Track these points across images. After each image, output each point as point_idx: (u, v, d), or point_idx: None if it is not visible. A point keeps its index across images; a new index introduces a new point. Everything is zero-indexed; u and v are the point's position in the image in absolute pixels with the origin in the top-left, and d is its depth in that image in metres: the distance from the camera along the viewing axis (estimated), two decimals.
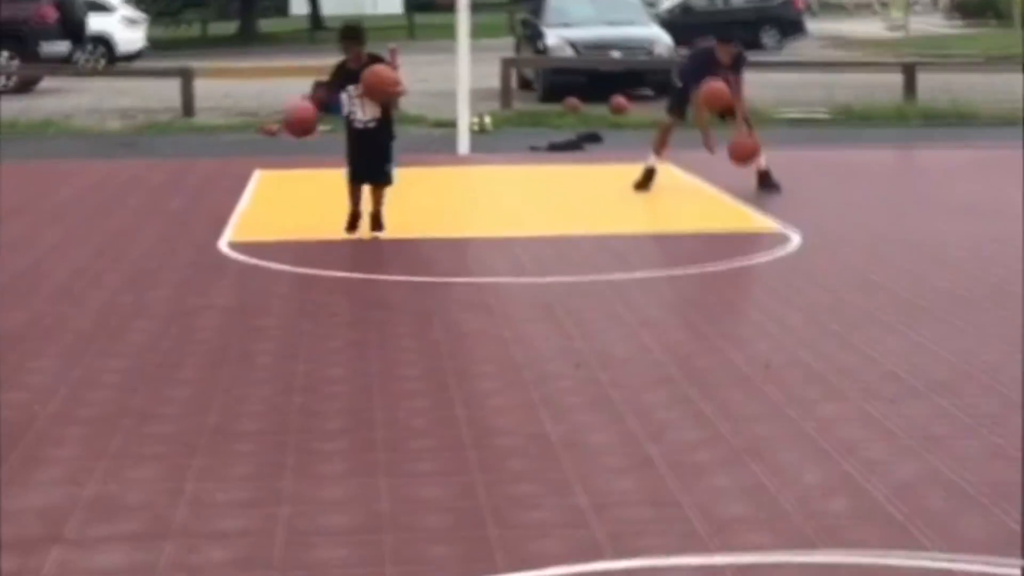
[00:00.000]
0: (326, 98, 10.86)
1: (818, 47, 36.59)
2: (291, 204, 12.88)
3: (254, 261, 9.80)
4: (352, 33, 10.65)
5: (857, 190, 13.11)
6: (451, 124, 17.30)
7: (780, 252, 10.07)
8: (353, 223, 10.59)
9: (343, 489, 5.41)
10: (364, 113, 10.50)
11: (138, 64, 27.66)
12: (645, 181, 13.17)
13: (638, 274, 9.29)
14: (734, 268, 9.62)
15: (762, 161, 12.85)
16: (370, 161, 10.50)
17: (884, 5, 50.89)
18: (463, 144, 16.53)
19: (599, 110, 19.93)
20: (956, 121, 19.14)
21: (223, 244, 10.43)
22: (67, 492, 5.32)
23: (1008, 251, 9.82)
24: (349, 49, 10.55)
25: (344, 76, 10.56)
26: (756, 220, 11.34)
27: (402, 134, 19.33)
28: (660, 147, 13.32)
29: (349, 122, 10.64)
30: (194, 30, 47.01)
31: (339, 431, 6.11)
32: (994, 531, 4.95)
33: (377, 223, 10.64)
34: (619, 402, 6.47)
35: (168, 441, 5.90)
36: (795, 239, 10.44)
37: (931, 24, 46.08)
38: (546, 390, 6.69)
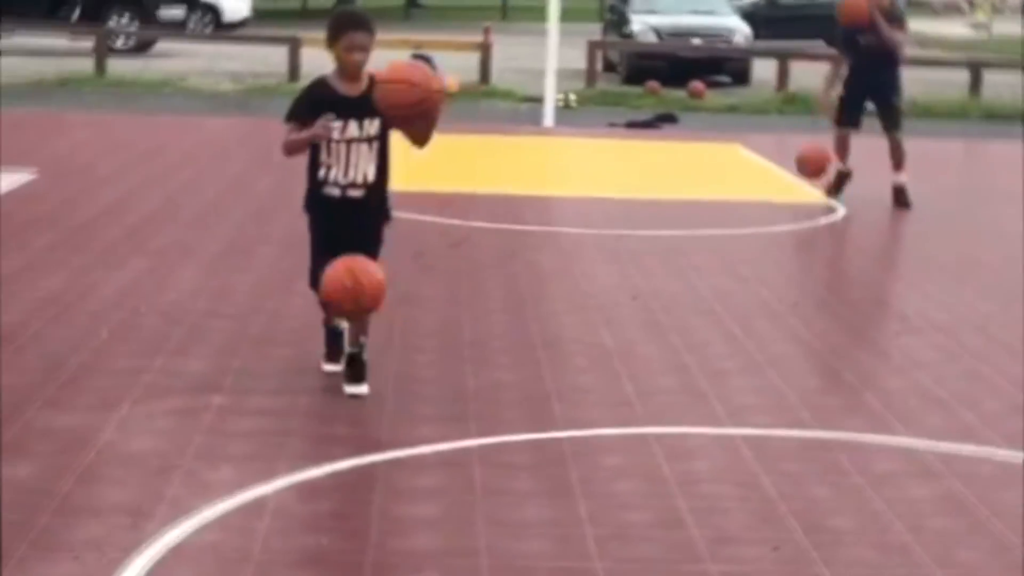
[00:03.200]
0: (293, 148, 6.28)
1: None
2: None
3: None
4: (355, 21, 6.25)
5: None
6: (538, 100, 18.61)
7: (824, 221, 11.31)
8: (334, 346, 6.53)
9: (435, 371, 6.77)
10: (347, 171, 6.23)
11: (250, 31, 29.11)
12: (838, 184, 12.25)
13: (695, 232, 10.57)
14: (782, 231, 10.88)
15: (902, 177, 12.08)
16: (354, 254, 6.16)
17: (972, 5, 51.51)
18: (548, 117, 17.86)
19: (677, 94, 21.16)
20: (1017, 119, 20.17)
21: None
22: (218, 363, 6.71)
23: None
24: (350, 49, 6.15)
25: (320, 100, 6.19)
26: (807, 194, 12.56)
27: (491, 107, 20.89)
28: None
29: (316, 190, 6.29)
30: (295, 1, 48.58)
31: (433, 334, 7.47)
32: (954, 423, 6.23)
33: (358, 368, 6.29)
34: (666, 325, 7.79)
35: (297, 332, 7.29)
36: (840, 211, 11.67)
37: (1018, 26, 46.71)
38: (606, 313, 8.02)
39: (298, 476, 5.27)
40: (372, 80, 6.15)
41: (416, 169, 13.35)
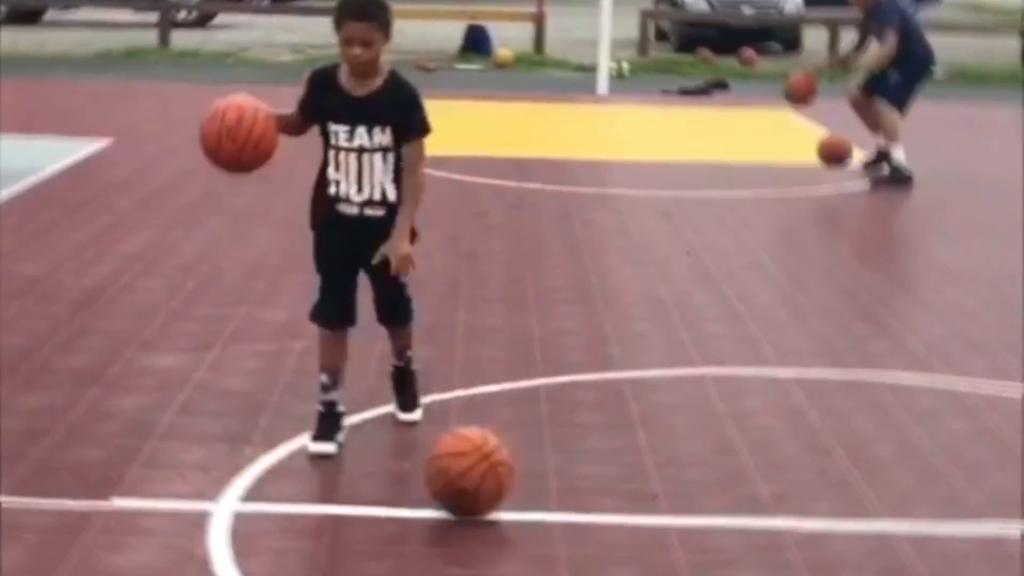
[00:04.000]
0: (290, 131, 5.32)
1: (948, 12, 37.53)
2: (444, 126, 14.68)
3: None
4: (354, 8, 5.11)
5: (951, 138, 14.57)
6: (591, 69, 18.96)
7: (869, 183, 11.65)
8: (333, 388, 5.35)
9: (502, 319, 7.20)
10: (360, 186, 5.23)
11: (308, 3, 29.57)
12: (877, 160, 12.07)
13: (745, 193, 10.95)
14: (829, 192, 11.23)
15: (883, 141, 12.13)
16: (374, 284, 5.41)
17: None
18: (602, 85, 18.22)
19: (729, 62, 21.46)
20: None
21: None
22: (297, 313, 7.17)
23: None
24: (348, 42, 5.09)
25: (322, 92, 5.24)
26: (856, 156, 12.88)
27: (545, 76, 21.28)
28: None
29: (329, 207, 5.29)
30: None
31: (500, 286, 7.91)
32: (994, 366, 6.61)
33: (411, 393, 5.65)
34: (718, 278, 8.19)
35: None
36: (885, 172, 11.98)
37: None
38: (661, 267, 8.43)
39: (379, 410, 5.71)
40: (391, 79, 5.19)
41: (474, 136, 13.84)
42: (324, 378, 5.32)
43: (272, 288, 7.67)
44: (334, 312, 5.34)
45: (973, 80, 20.76)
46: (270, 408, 5.69)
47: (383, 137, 5.15)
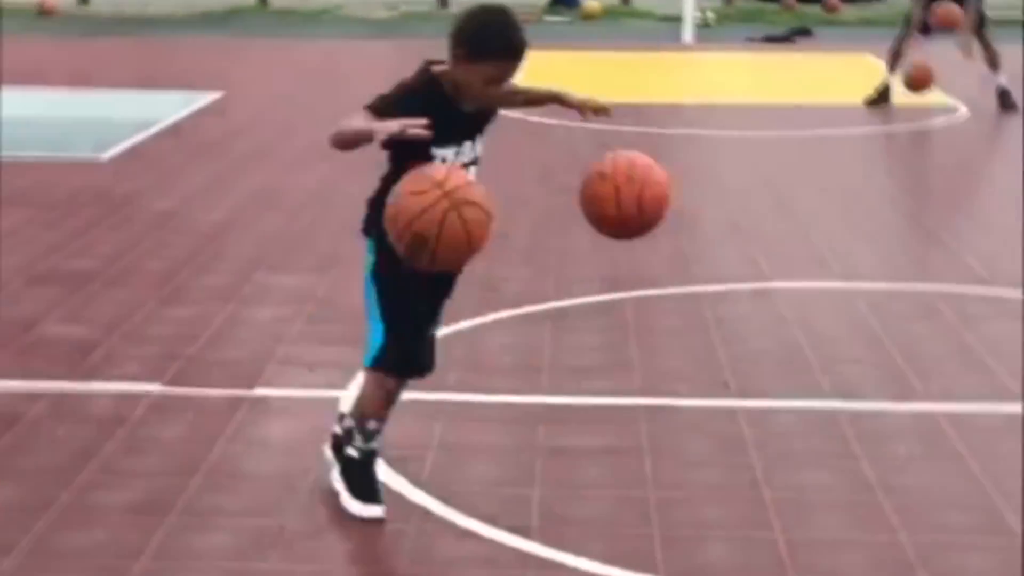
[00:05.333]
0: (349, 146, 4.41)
1: None
2: (539, 74, 15.34)
3: (510, 113, 12.31)
4: (515, 46, 4.19)
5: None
6: (677, 19, 19.53)
7: (942, 120, 12.18)
8: (379, 434, 4.51)
9: (590, 244, 7.88)
10: None
11: None
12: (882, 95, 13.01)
13: (820, 131, 11.53)
14: (901, 129, 11.79)
15: (1002, 79, 12.65)
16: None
17: None
18: (687, 35, 18.80)
19: (813, 8, 21.90)
20: None
21: None
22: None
23: None
24: (494, 81, 4.22)
25: (430, 108, 4.14)
26: (928, 97, 13.38)
27: (628, 26, 21.87)
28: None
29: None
30: None
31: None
32: None
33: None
34: (791, 206, 8.83)
35: None
36: (963, 110, 12.51)
37: None
38: (739, 197, 9.07)
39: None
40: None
41: (564, 83, 14.51)
42: (373, 424, 4.44)
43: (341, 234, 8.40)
44: (422, 359, 4.43)
45: None
46: None
47: (480, 145, 4.36)
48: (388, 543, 4.22)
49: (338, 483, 4.45)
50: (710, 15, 21.01)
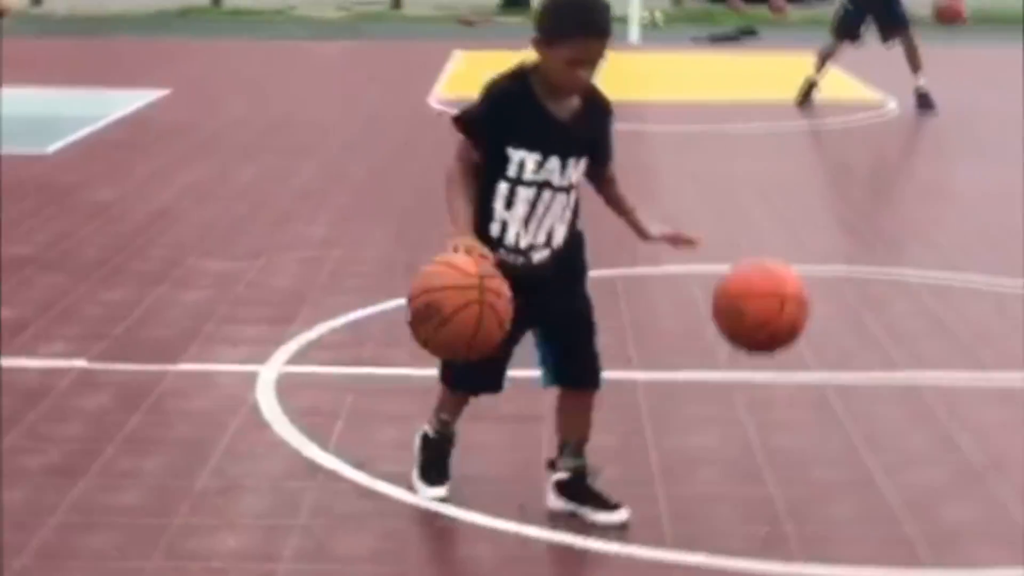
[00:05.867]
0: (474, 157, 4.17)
1: None
2: (487, 74, 15.60)
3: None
4: (594, 21, 4.05)
5: (954, 78, 15.36)
6: (625, 19, 19.83)
7: (878, 115, 12.52)
8: (440, 460, 4.56)
9: None
10: (527, 228, 4.19)
11: None
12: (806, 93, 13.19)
13: (754, 125, 11.86)
14: (837, 123, 12.13)
15: (921, 81, 12.75)
16: (557, 336, 4.39)
17: None
18: (633, 35, 19.09)
19: (760, 10, 22.22)
20: None
21: (432, 100, 13.23)
22: (337, 228, 8.16)
23: None
24: (577, 62, 4.05)
25: (515, 116, 4.12)
26: (868, 93, 13.72)
27: None
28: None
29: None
30: None
31: None
32: (940, 256, 7.52)
33: (581, 485, 4.42)
34: (723, 197, 9.11)
35: (404, 207, 8.71)
36: (891, 106, 12.85)
37: None
38: (672, 193, 9.37)
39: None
40: (596, 97, 4.19)
41: None
42: (445, 416, 4.50)
43: (315, 209, 8.65)
44: (488, 381, 4.37)
45: (980, 20, 21.43)
46: (309, 300, 6.68)
47: (576, 172, 4.10)
48: (293, 500, 4.47)
49: (556, 499, 4.36)
50: (658, 16, 21.31)
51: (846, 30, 13.01)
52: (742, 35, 19.75)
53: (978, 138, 11.54)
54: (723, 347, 5.95)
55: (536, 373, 4.48)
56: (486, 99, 4.12)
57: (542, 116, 4.05)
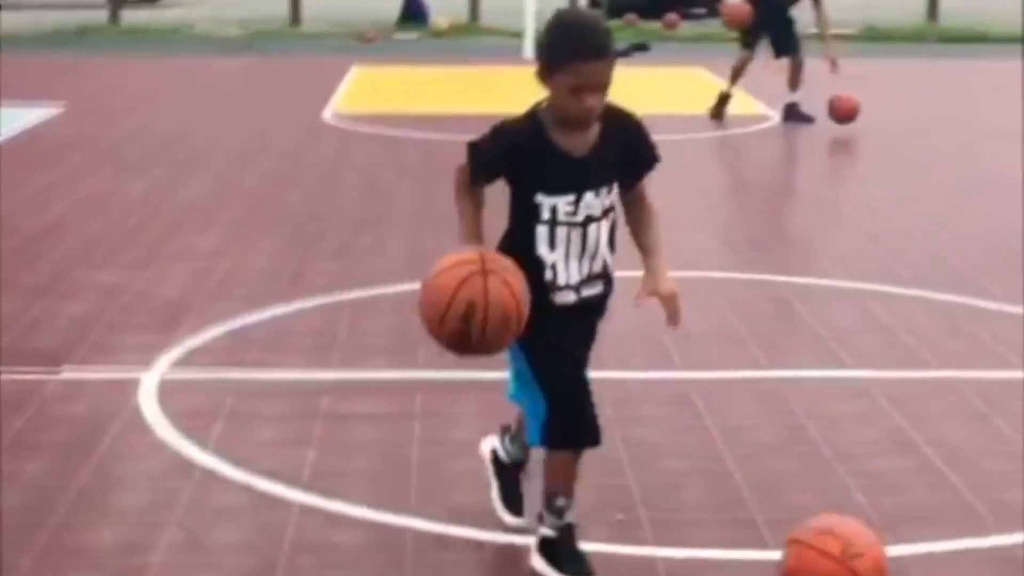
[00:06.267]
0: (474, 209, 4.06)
1: None
2: (383, 89, 15.83)
3: (350, 127, 12.76)
4: (589, 44, 3.87)
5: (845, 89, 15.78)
6: (521, 34, 20.11)
7: (759, 128, 12.88)
8: (569, 508, 4.14)
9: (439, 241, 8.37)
10: (580, 264, 3.99)
11: None
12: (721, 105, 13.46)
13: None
14: (723, 135, 12.47)
15: (795, 97, 13.08)
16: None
17: None
18: (528, 50, 19.37)
19: (653, 25, 22.64)
20: (971, 40, 21.61)
21: (327, 114, 13.40)
22: (227, 238, 8.31)
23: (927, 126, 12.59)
24: (578, 89, 3.85)
25: (527, 155, 3.94)
26: (750, 106, 14.08)
27: (477, 44, 22.39)
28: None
29: (540, 294, 3.93)
30: None
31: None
32: (809, 263, 7.82)
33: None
34: None
35: (293, 212, 8.89)
36: (774, 121, 13.21)
37: None
38: None
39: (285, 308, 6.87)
40: (609, 116, 3.91)
41: (411, 99, 15.00)
42: (562, 501, 4.05)
43: (205, 221, 8.79)
44: (590, 427, 4.01)
45: (879, 37, 21.97)
46: (195, 307, 6.83)
47: (609, 196, 3.93)
48: (170, 496, 4.63)
49: (537, 559, 4.09)
50: None
51: (746, 43, 13.36)
52: (635, 50, 20.02)
53: (862, 150, 11.94)
54: (679, 352, 6.25)
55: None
56: (494, 137, 3.95)
57: (559, 157, 3.86)
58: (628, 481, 4.78)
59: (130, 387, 5.66)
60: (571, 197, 3.85)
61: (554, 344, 3.95)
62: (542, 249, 3.92)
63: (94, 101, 14.35)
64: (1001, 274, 7.61)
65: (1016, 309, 6.92)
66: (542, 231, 3.90)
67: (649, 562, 4.22)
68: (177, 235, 8.42)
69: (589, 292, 3.99)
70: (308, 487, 4.69)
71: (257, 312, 6.75)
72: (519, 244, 3.93)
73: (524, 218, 3.91)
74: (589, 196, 3.87)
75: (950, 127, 13.23)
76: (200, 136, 12.24)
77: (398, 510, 4.52)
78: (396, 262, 7.83)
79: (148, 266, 7.63)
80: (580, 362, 4.02)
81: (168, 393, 5.62)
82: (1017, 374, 5.98)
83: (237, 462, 4.89)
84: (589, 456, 4.99)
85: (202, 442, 5.08)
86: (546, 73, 3.84)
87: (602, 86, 3.80)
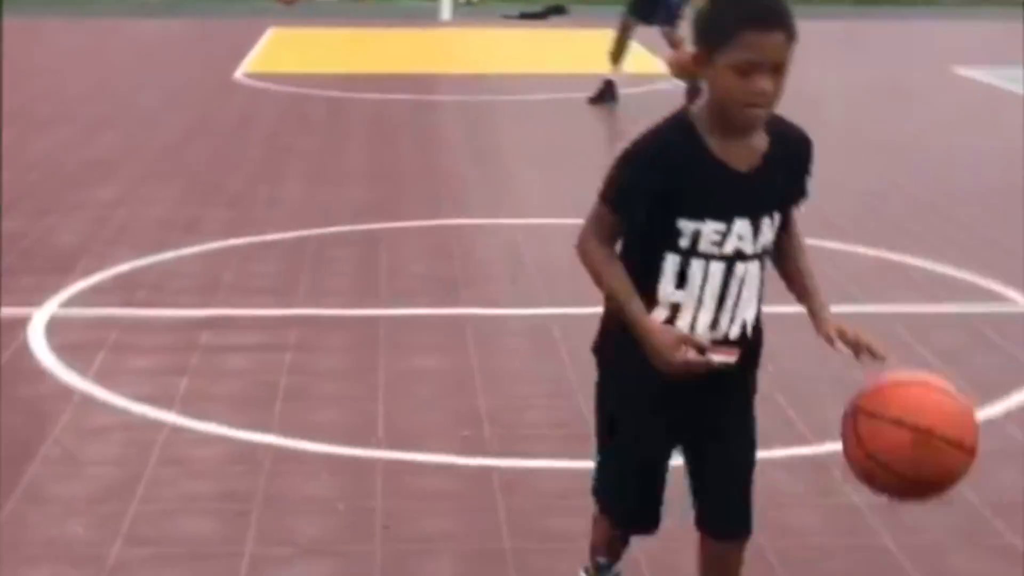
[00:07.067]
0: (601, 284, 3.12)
1: None
2: (297, 50, 16.10)
3: (260, 85, 13.04)
4: (764, 9, 2.97)
5: None
6: None
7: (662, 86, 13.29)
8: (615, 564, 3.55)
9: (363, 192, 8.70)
10: (718, 316, 3.08)
11: None
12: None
13: (558, 95, 12.56)
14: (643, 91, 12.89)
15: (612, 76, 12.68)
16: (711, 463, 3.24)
17: None
18: (445, 12, 19.69)
19: None
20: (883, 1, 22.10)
21: (238, 74, 13.68)
22: (127, 189, 8.61)
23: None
24: (750, 69, 2.95)
25: (678, 171, 3.02)
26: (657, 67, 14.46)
27: (396, 7, 22.70)
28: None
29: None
30: None
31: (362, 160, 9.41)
32: None
33: None
34: (502, 155, 9.76)
35: (184, 176, 9.20)
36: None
37: None
38: (468, 154, 9.98)
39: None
40: (776, 125, 3.08)
41: (329, 60, 15.28)
42: (602, 559, 3.50)
43: (108, 175, 9.08)
44: (649, 515, 3.30)
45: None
46: (91, 253, 7.14)
47: (772, 232, 3.10)
48: (48, 418, 4.96)
49: None
50: None
51: (640, 11, 13.33)
52: (551, 13, 20.43)
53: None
54: (459, 288, 6.63)
55: None
56: (637, 161, 3.04)
57: (716, 171, 3.00)
58: (479, 402, 5.16)
59: (20, 324, 5.97)
60: (721, 225, 3.00)
61: (651, 415, 3.15)
62: (665, 286, 3.04)
63: (7, 60, 14.51)
64: (863, 221, 8.08)
65: (870, 251, 7.37)
66: (671, 262, 3.03)
67: (487, 471, 4.60)
68: (79, 187, 8.71)
69: (720, 359, 3.03)
70: (180, 410, 5.04)
71: (149, 257, 7.06)
72: (641, 275, 3.05)
73: (647, 245, 3.04)
74: (743, 224, 3.02)
75: (850, 90, 13.67)
76: (111, 95, 12.49)
77: (260, 428, 4.88)
78: (289, 211, 8.16)
79: (48, 215, 7.92)
80: (673, 439, 3.19)
81: (56, 329, 5.94)
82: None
83: (114, 388, 5.23)
84: (446, 381, 5.40)
85: (83, 371, 5.41)
86: (706, 56, 2.96)
87: (778, 66, 2.93)
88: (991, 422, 4.96)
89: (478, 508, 4.31)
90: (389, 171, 9.33)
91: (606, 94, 12.47)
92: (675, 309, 3.05)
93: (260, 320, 6.15)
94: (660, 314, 3.04)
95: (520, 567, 3.95)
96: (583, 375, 5.44)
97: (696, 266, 3.01)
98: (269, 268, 6.95)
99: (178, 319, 6.13)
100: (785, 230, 3.16)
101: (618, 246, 3.09)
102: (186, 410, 5.03)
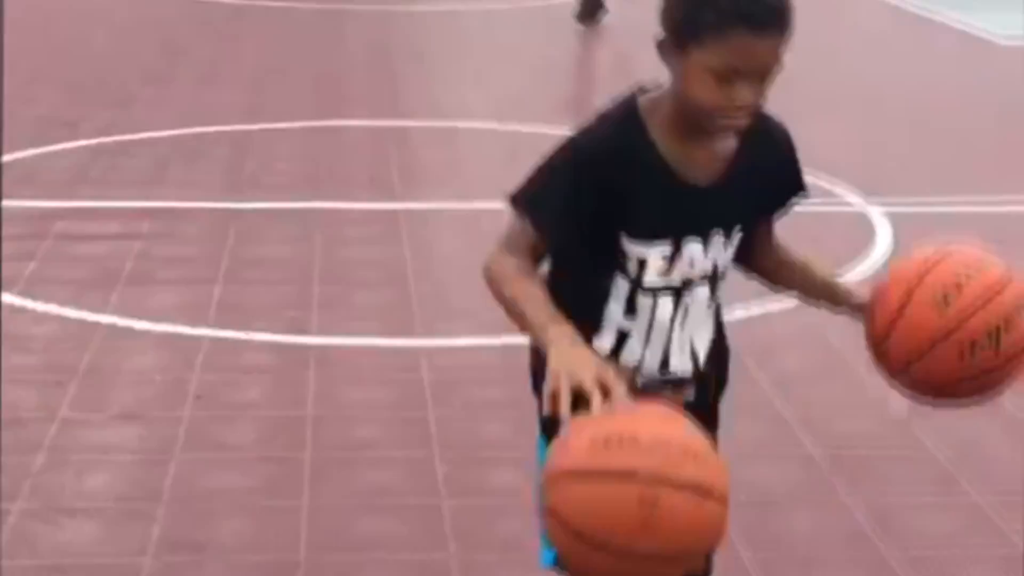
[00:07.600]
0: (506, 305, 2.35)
1: None
2: None
3: None
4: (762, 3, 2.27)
5: None
6: None
7: None
8: None
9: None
10: (668, 350, 2.52)
11: None
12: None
13: (480, 5, 12.71)
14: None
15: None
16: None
17: None
18: None
19: None
20: None
21: None
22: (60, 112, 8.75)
23: None
24: (731, 74, 2.29)
25: (620, 182, 2.37)
26: None
27: None
28: None
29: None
30: None
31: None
32: None
33: None
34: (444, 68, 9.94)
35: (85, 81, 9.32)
36: None
37: None
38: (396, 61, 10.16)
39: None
40: (758, 126, 2.43)
41: None
42: None
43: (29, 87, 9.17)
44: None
45: None
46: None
47: (730, 250, 2.54)
48: None
49: None
50: None
51: None
52: None
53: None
54: (320, 184, 6.82)
55: None
56: (568, 165, 2.41)
57: (666, 183, 2.42)
58: (314, 288, 5.40)
59: None
60: (666, 248, 2.44)
61: None
62: (615, 308, 2.49)
63: None
64: None
65: None
66: (623, 286, 2.47)
67: (304, 349, 4.85)
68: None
69: (670, 396, 2.52)
70: (21, 291, 5.24)
71: (20, 152, 7.20)
72: (577, 300, 2.43)
73: (585, 268, 2.48)
74: (694, 247, 2.47)
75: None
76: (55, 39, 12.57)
77: (98, 309, 5.09)
78: (174, 112, 8.32)
79: None
80: None
81: None
82: None
83: (40, 295, 5.27)
84: (286, 270, 5.62)
85: (12, 285, 5.44)
86: (676, 45, 2.35)
87: (763, 72, 2.32)
88: None
89: (288, 382, 4.55)
90: (279, 76, 9.50)
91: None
92: (622, 338, 2.49)
93: (119, 211, 6.34)
94: (606, 341, 2.48)
95: (317, 434, 4.19)
96: (416, 264, 5.67)
97: (644, 301, 2.46)
98: (139, 164, 7.14)
99: (37, 209, 6.31)
100: (766, 241, 2.60)
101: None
102: (28, 291, 5.23)
